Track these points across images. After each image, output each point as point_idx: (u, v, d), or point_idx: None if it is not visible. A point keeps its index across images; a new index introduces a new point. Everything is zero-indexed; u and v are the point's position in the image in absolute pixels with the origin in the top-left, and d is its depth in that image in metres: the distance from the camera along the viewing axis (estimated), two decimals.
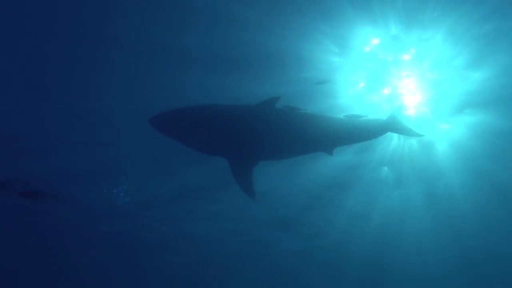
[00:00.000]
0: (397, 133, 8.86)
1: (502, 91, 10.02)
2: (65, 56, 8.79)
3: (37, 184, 14.33)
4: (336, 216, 18.71)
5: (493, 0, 7.87)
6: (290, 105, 7.17)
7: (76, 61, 8.91)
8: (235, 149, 7.11)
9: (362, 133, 8.22)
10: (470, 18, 8.25)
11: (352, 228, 20.69)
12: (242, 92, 9.06)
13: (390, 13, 8.24)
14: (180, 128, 6.65)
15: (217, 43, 8.59)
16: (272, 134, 7.04)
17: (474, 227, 19.93)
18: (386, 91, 10.18)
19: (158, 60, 8.97)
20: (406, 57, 9.33)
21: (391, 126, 8.61)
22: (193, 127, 6.61)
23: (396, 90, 10.08)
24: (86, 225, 20.35)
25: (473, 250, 23.86)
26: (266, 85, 9.27)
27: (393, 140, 11.88)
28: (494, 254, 24.55)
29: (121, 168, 13.67)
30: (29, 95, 10.02)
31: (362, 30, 8.65)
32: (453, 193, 15.95)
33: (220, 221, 19.68)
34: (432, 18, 8.35)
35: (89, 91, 9.86)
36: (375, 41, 8.95)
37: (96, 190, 15.63)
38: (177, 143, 6.93)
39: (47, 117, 10.96)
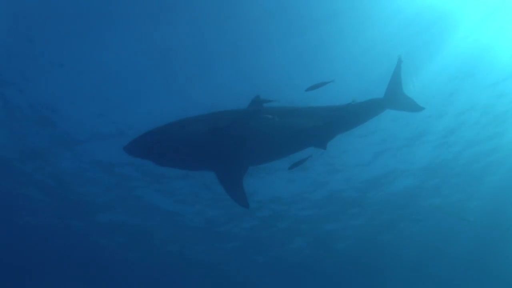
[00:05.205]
0: (396, 109, 8.02)
1: None
2: None
3: None
4: None
5: None
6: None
7: None
8: (221, 161, 6.61)
9: (356, 119, 7.59)
10: None
11: None
12: None
13: None
14: (162, 150, 6.02)
15: None
16: (258, 138, 6.53)
17: None
18: None
19: None
20: None
21: (391, 102, 7.83)
22: (175, 147, 6.04)
23: None
24: None
25: None
26: None
27: None
28: None
29: None
30: None
31: None
32: None
33: None
34: None
35: None
36: None
37: None
38: (156, 165, 6.40)
39: None
